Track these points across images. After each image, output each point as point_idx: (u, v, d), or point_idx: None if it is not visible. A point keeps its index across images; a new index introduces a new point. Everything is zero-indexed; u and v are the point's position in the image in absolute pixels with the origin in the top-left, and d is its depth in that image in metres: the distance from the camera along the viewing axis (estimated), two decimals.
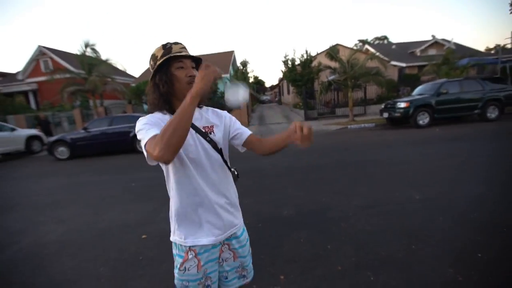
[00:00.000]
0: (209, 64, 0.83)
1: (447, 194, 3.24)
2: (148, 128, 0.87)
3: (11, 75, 19.49)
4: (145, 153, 0.83)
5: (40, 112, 14.07)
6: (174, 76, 0.94)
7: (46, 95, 16.45)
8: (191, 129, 0.98)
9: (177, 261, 1.02)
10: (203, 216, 1.01)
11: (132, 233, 2.97)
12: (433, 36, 21.24)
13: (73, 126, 13.07)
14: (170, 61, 0.94)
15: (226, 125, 1.13)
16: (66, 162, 8.49)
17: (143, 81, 13.87)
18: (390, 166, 4.78)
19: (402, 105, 9.07)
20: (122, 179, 5.63)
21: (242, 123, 1.20)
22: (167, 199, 1.08)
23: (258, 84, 43.07)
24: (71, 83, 11.79)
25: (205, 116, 1.09)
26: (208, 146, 1.03)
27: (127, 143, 8.69)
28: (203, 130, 1.03)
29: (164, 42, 0.98)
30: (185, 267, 1.00)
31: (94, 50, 11.56)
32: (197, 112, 1.04)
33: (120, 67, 13.38)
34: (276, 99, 40.59)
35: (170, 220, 1.05)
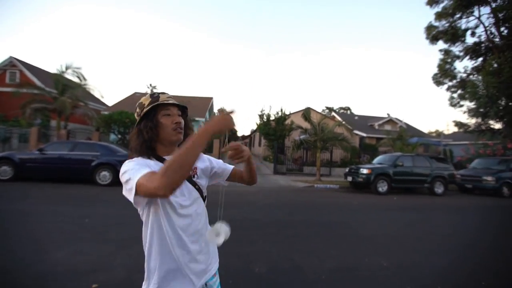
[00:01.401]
0: (230, 113, 0.88)
1: (413, 263, 3.41)
2: (139, 168, 0.85)
3: None
4: (133, 190, 0.80)
5: None
6: (160, 123, 0.96)
7: (2, 107, 14.98)
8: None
9: None
10: (188, 270, 0.98)
11: (80, 280, 2.53)
12: (388, 114, 24.59)
13: (24, 145, 11.78)
14: (157, 109, 0.97)
15: (207, 168, 1.15)
16: (7, 183, 7.42)
17: (117, 111, 13.47)
18: (358, 230, 4.96)
19: (365, 171, 9.87)
20: (74, 212, 5.02)
21: None
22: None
23: (230, 132, 44.04)
24: (38, 99, 11.02)
25: None
26: (193, 189, 1.04)
27: (87, 172, 7.98)
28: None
29: (151, 92, 1.04)
30: None
31: (76, 73, 11.25)
32: None
33: (97, 93, 12.99)
34: None
35: (147, 277, 0.96)
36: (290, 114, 18.77)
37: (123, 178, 0.86)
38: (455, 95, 15.92)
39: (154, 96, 0.99)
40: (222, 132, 0.87)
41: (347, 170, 11.35)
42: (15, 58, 16.00)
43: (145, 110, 0.97)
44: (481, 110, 13.14)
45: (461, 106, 15.23)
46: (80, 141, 9.22)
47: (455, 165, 12.49)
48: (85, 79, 11.60)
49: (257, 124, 19.48)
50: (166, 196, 0.78)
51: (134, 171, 0.84)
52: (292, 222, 5.32)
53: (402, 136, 14.94)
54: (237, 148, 0.98)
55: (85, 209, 5.31)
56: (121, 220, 4.58)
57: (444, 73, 15.93)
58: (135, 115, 1.02)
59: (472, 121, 14.52)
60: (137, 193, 0.81)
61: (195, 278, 0.99)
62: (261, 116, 18.58)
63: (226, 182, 1.25)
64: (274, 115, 17.99)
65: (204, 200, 1.12)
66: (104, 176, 8.05)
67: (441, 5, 15.12)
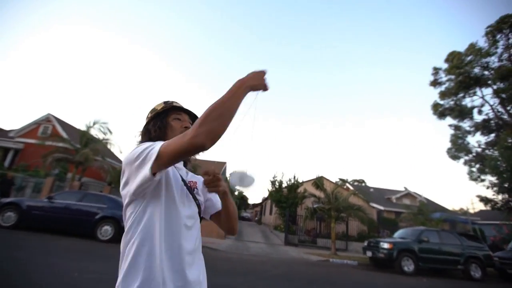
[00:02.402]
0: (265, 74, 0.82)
1: None
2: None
3: (2, 131, 19.37)
4: (153, 156, 0.72)
5: (9, 171, 13.07)
6: (169, 125, 0.95)
7: (27, 157, 15.80)
8: (184, 188, 0.91)
9: None
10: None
11: None
12: (405, 188, 23.63)
13: (37, 195, 11.86)
14: (169, 112, 0.96)
15: (205, 193, 1.03)
16: (8, 231, 7.13)
17: None
18: None
19: (386, 245, 8.88)
20: (66, 266, 4.58)
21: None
22: None
23: (241, 200, 43.17)
24: (61, 150, 11.62)
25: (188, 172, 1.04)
26: (193, 202, 0.93)
27: (89, 225, 7.61)
28: (189, 185, 0.95)
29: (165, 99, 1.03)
30: None
31: (102, 127, 12.14)
32: (180, 163, 1.00)
33: (116, 148, 13.64)
34: (256, 218, 39.62)
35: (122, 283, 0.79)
36: (303, 182, 18.48)
37: (135, 154, 0.77)
38: (474, 169, 15.49)
39: (168, 102, 0.99)
40: (258, 88, 0.80)
41: (365, 243, 10.28)
42: (52, 115, 17.74)
43: (157, 111, 0.97)
44: (506, 185, 12.45)
45: (483, 180, 14.60)
46: (89, 192, 9.16)
47: (490, 247, 11.07)
48: (110, 132, 12.39)
49: (268, 190, 19.09)
50: (205, 146, 0.68)
51: (152, 145, 0.76)
52: None
53: (423, 210, 13.95)
54: (214, 175, 0.86)
55: (79, 263, 4.86)
56: (110, 277, 4.10)
57: (458, 148, 15.92)
58: (146, 119, 1.01)
59: (499, 197, 13.61)
60: (158, 158, 0.71)
61: None
62: (273, 183, 18.33)
63: (208, 219, 1.09)
64: (287, 182, 17.74)
65: (200, 221, 0.99)
66: (106, 230, 7.64)
67: (444, 86, 16.25)
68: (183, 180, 0.93)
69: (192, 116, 1.01)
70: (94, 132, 12.41)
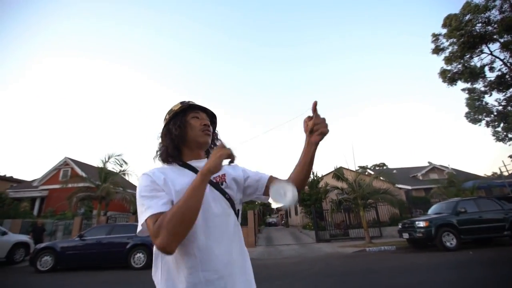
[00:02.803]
0: (224, 145, 0.82)
1: None
2: (152, 197, 0.78)
3: (26, 183, 20.27)
4: (139, 227, 0.77)
5: (39, 218, 13.58)
6: (189, 123, 0.95)
7: (52, 202, 16.41)
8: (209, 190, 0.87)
9: None
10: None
11: None
12: (429, 162, 22.71)
13: (68, 237, 12.24)
14: (186, 111, 0.97)
15: (239, 177, 0.99)
16: (46, 274, 7.33)
17: None
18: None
19: (422, 224, 8.47)
20: None
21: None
22: None
23: (264, 206, 42.86)
24: (83, 189, 12.01)
25: None
26: (222, 198, 0.89)
27: (121, 255, 7.73)
28: (214, 181, 0.91)
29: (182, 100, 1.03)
30: None
31: (117, 160, 12.47)
32: (202, 163, 0.94)
33: (134, 177, 13.92)
34: (283, 221, 39.16)
35: None
36: (323, 176, 18.14)
37: (137, 198, 0.80)
38: (498, 129, 14.68)
39: (185, 102, 0.99)
40: (219, 168, 0.77)
41: (400, 226, 9.86)
42: (69, 158, 18.44)
43: (175, 111, 0.97)
44: None
45: (511, 139, 13.81)
46: (117, 224, 9.35)
47: None
48: (126, 163, 12.71)
49: None
50: (172, 252, 0.70)
51: (147, 200, 0.77)
52: None
53: (453, 181, 13.31)
54: (323, 119, 0.92)
55: None
56: None
57: (476, 110, 15.18)
58: (163, 121, 1.01)
59: None
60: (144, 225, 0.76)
61: None
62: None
63: (266, 197, 1.01)
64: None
65: (237, 215, 0.94)
66: (139, 258, 7.73)
67: (447, 51, 15.64)
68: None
69: (209, 114, 1.02)
70: (111, 166, 12.77)
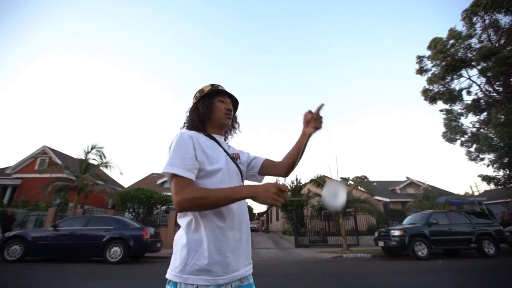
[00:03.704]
0: (282, 192, 0.85)
1: None
2: (183, 157, 0.90)
3: None
4: (166, 167, 0.88)
5: (9, 207, 12.87)
6: (215, 105, 1.09)
7: (26, 192, 15.62)
8: (228, 159, 1.04)
9: None
10: (227, 251, 0.90)
11: None
12: (407, 177, 23.65)
13: (39, 229, 11.66)
14: (215, 94, 1.10)
15: (246, 156, 1.19)
16: (14, 264, 6.98)
17: (134, 188, 13.70)
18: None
19: (396, 233, 8.84)
20: (82, 287, 4.50)
21: None
22: None
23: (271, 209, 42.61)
24: (61, 179, 11.53)
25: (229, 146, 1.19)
26: (238, 174, 1.05)
27: (97, 248, 7.50)
28: (231, 156, 1.09)
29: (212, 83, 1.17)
30: None
31: (99, 152, 12.12)
32: (222, 138, 1.14)
33: (117, 170, 13.54)
34: (263, 227, 39.09)
35: (178, 253, 0.88)
36: (306, 183, 18.41)
37: (171, 148, 0.93)
38: (471, 149, 15.64)
39: (215, 86, 1.13)
40: (262, 204, 0.89)
41: (376, 234, 10.21)
42: (48, 147, 17.69)
43: (205, 92, 1.10)
44: (505, 160, 12.57)
45: (482, 159, 14.73)
46: (95, 216, 9.07)
47: (500, 224, 11.05)
48: (105, 157, 12.38)
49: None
50: (179, 212, 0.88)
51: (177, 158, 0.89)
52: None
53: (428, 195, 13.95)
54: (318, 114, 1.07)
55: (92, 283, 4.77)
56: None
57: (452, 130, 16.12)
58: (193, 98, 1.14)
59: (500, 173, 13.69)
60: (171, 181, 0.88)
61: (221, 270, 0.87)
62: None
63: (260, 176, 1.20)
64: (290, 185, 17.66)
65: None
66: (115, 252, 7.52)
67: (430, 72, 16.60)
68: (225, 151, 1.05)
69: (234, 100, 1.16)
70: (92, 157, 12.38)
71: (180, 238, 0.91)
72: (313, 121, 1.05)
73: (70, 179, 12.29)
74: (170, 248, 11.83)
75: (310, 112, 1.06)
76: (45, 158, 17.50)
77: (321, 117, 1.06)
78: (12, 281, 4.95)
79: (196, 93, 1.14)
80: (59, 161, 16.24)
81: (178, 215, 0.96)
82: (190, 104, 1.15)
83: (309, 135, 1.07)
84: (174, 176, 0.86)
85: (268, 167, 1.17)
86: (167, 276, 0.87)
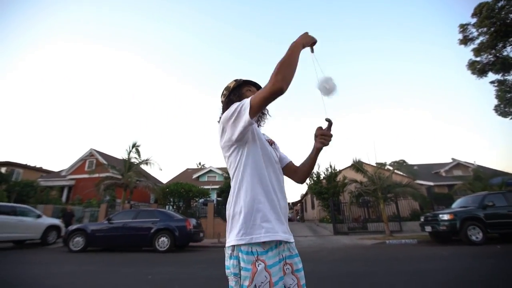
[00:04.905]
0: (307, 33, 1.06)
1: None
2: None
3: (55, 173, 21.47)
4: (247, 108, 0.92)
5: (67, 205, 14.42)
6: (244, 94, 1.17)
7: (79, 191, 17.33)
8: (264, 139, 1.12)
9: (243, 277, 0.85)
10: (277, 215, 0.97)
11: None
12: (453, 159, 21.82)
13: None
14: (242, 86, 1.21)
15: (278, 147, 1.26)
16: (79, 254, 7.85)
17: (173, 183, 14.48)
18: (459, 272, 3.85)
19: (446, 217, 8.25)
20: (137, 272, 4.91)
21: None
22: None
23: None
24: (109, 177, 12.62)
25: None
26: (275, 155, 1.13)
27: (147, 239, 8.11)
28: (268, 141, 1.17)
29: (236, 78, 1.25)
30: (255, 285, 0.82)
31: (137, 150, 12.97)
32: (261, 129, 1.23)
33: (156, 167, 14.40)
34: (298, 216, 39.06)
35: (237, 222, 0.94)
36: (341, 170, 17.91)
37: (230, 112, 0.99)
38: None
39: (239, 80, 1.23)
40: (308, 45, 1.03)
41: (422, 219, 9.64)
42: (94, 149, 19.36)
43: (232, 87, 1.20)
44: None
45: None
46: (142, 209, 9.78)
47: None
48: (139, 154, 13.27)
49: (307, 184, 18.75)
50: (283, 89, 0.87)
51: (242, 101, 0.97)
52: (371, 273, 4.39)
53: (480, 176, 12.75)
54: (329, 132, 1.09)
55: (147, 269, 5.18)
56: (181, 276, 4.33)
57: (507, 103, 14.36)
58: (221, 97, 1.24)
59: None
60: (251, 108, 0.91)
61: (282, 232, 0.96)
62: (310, 176, 17.98)
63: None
64: (324, 173, 17.32)
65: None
66: (163, 242, 8.06)
67: (476, 42, 14.86)
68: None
69: (258, 87, 1.23)
70: (134, 156, 13.29)
71: None
72: (321, 137, 1.09)
73: (116, 178, 13.35)
74: (211, 238, 12.39)
75: (320, 128, 1.10)
76: (93, 160, 19.17)
77: (330, 135, 1.09)
78: (77, 267, 5.55)
79: (223, 91, 1.23)
80: (104, 162, 17.66)
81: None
82: (219, 104, 1.25)
83: (318, 150, 1.12)
84: (251, 101, 0.93)
85: (289, 169, 1.23)
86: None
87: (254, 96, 0.92)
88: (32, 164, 24.88)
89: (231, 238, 0.91)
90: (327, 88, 1.00)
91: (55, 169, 23.42)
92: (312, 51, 1.06)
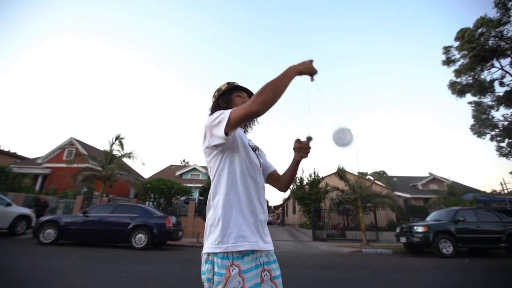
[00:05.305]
0: (312, 62, 1.01)
1: None
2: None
3: (30, 160, 20.42)
4: (224, 120, 0.90)
5: (42, 194, 13.73)
6: (233, 100, 1.16)
7: (55, 180, 16.56)
8: (249, 148, 1.10)
9: (216, 282, 0.84)
10: (255, 224, 0.97)
11: None
12: (430, 173, 22.79)
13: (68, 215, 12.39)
14: (232, 91, 1.19)
15: (262, 154, 1.24)
16: (50, 246, 7.47)
17: (155, 178, 14.17)
18: (430, 284, 4.01)
19: (420, 229, 8.59)
20: (111, 269, 4.75)
21: None
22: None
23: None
24: (88, 170, 12.14)
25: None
26: (257, 162, 1.12)
27: (123, 235, 7.86)
28: (252, 146, 1.16)
29: (229, 81, 1.25)
30: None
31: (121, 143, 12.60)
32: (241, 130, 1.20)
33: (139, 161, 14.03)
34: (279, 220, 39.21)
35: (214, 229, 0.94)
36: (323, 177, 18.20)
37: (211, 120, 0.97)
38: (503, 144, 14.72)
39: (231, 83, 1.22)
40: (305, 73, 0.98)
41: (398, 230, 9.97)
42: (74, 138, 18.59)
43: (223, 90, 1.19)
44: None
45: None
46: (120, 204, 9.46)
47: None
48: (123, 149, 12.89)
49: (290, 189, 18.87)
50: (259, 112, 0.86)
51: (224, 112, 0.95)
52: (350, 280, 4.49)
53: (454, 192, 13.38)
54: (307, 144, 1.10)
55: (121, 266, 5.02)
56: (157, 274, 4.23)
57: (482, 123, 15.21)
58: (212, 98, 1.23)
59: None
60: (228, 122, 0.89)
61: (259, 241, 0.96)
62: (294, 181, 18.04)
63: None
64: (307, 178, 17.54)
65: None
66: (140, 238, 7.84)
67: (458, 64, 15.66)
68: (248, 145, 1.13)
69: (249, 94, 1.22)
70: (116, 148, 12.89)
71: None
72: (299, 150, 1.10)
73: (96, 169, 12.88)
74: (190, 237, 12.19)
75: (298, 141, 1.11)
76: (72, 149, 18.41)
77: (308, 148, 1.10)
78: (47, 261, 5.30)
79: (214, 93, 1.22)
80: (85, 152, 17.01)
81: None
82: (210, 103, 1.24)
83: (297, 161, 1.14)
84: (229, 115, 0.91)
85: (273, 178, 1.24)
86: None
87: (234, 110, 0.91)
88: (5, 149, 23.58)
89: (207, 245, 0.91)
90: (342, 139, 1.00)
91: (31, 156, 22.21)
92: (312, 80, 1.02)
